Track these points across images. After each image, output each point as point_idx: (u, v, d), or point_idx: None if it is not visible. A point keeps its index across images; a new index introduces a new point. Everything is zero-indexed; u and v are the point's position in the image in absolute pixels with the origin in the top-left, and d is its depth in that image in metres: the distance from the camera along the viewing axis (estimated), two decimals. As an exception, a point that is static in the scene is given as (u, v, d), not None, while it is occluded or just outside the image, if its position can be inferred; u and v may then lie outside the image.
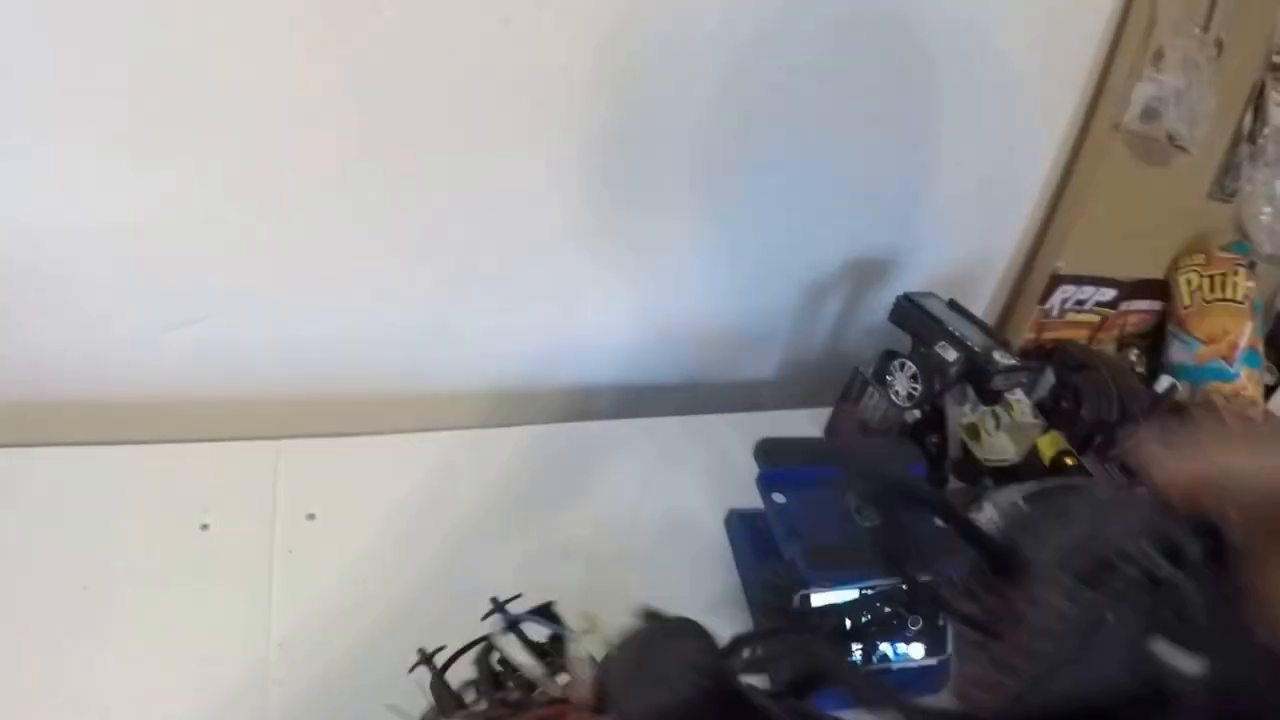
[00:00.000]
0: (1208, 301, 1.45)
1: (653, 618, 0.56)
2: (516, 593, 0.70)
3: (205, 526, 0.88)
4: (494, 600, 0.69)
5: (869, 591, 0.93)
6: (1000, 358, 1.04)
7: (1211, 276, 1.46)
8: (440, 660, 0.66)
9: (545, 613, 0.67)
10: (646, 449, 1.13)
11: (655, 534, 1.03)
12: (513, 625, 0.64)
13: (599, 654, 0.56)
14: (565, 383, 1.20)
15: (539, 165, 0.99)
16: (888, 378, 1.07)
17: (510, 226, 1.02)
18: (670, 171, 1.06)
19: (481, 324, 1.10)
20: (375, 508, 0.96)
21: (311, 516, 0.93)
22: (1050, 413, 1.09)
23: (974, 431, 1.07)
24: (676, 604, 0.94)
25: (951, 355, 1.04)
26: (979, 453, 1.07)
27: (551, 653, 0.63)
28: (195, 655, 0.77)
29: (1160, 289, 1.46)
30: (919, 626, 0.95)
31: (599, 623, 0.57)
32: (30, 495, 0.87)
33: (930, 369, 1.04)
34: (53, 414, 0.95)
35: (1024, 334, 1.32)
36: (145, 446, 0.93)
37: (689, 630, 0.55)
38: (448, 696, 0.65)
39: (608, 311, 1.15)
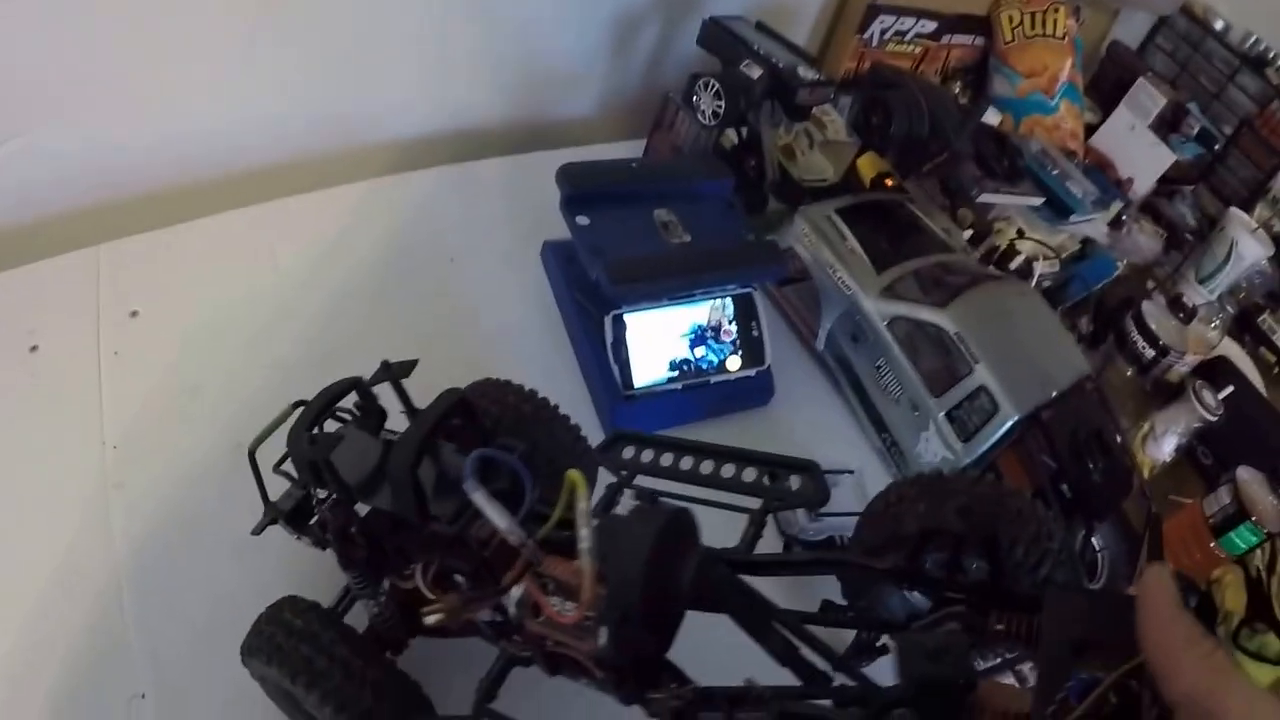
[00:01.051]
0: (1029, 37, 1.45)
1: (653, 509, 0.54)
2: (412, 358, 0.64)
3: (34, 348, 0.84)
4: (385, 364, 0.63)
5: (683, 305, 0.92)
6: (805, 73, 1.02)
7: (1033, 13, 1.46)
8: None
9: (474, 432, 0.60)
10: (465, 194, 1.10)
11: (478, 276, 1.02)
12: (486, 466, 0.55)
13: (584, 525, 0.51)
14: (379, 138, 1.15)
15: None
16: (694, 100, 1.03)
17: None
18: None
19: (286, 87, 1.03)
20: (197, 294, 0.92)
21: (134, 314, 0.89)
22: (863, 130, 1.07)
23: (790, 152, 1.06)
24: (502, 340, 0.94)
25: (755, 72, 1.01)
26: (796, 173, 1.06)
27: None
28: (35, 477, 0.76)
29: (982, 24, 1.45)
30: (734, 338, 0.94)
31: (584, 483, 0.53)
32: None
33: (735, 87, 1.01)
34: None
35: (844, 64, 1.30)
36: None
37: (687, 520, 0.52)
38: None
39: (415, 58, 1.10)
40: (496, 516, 0.52)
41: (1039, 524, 0.61)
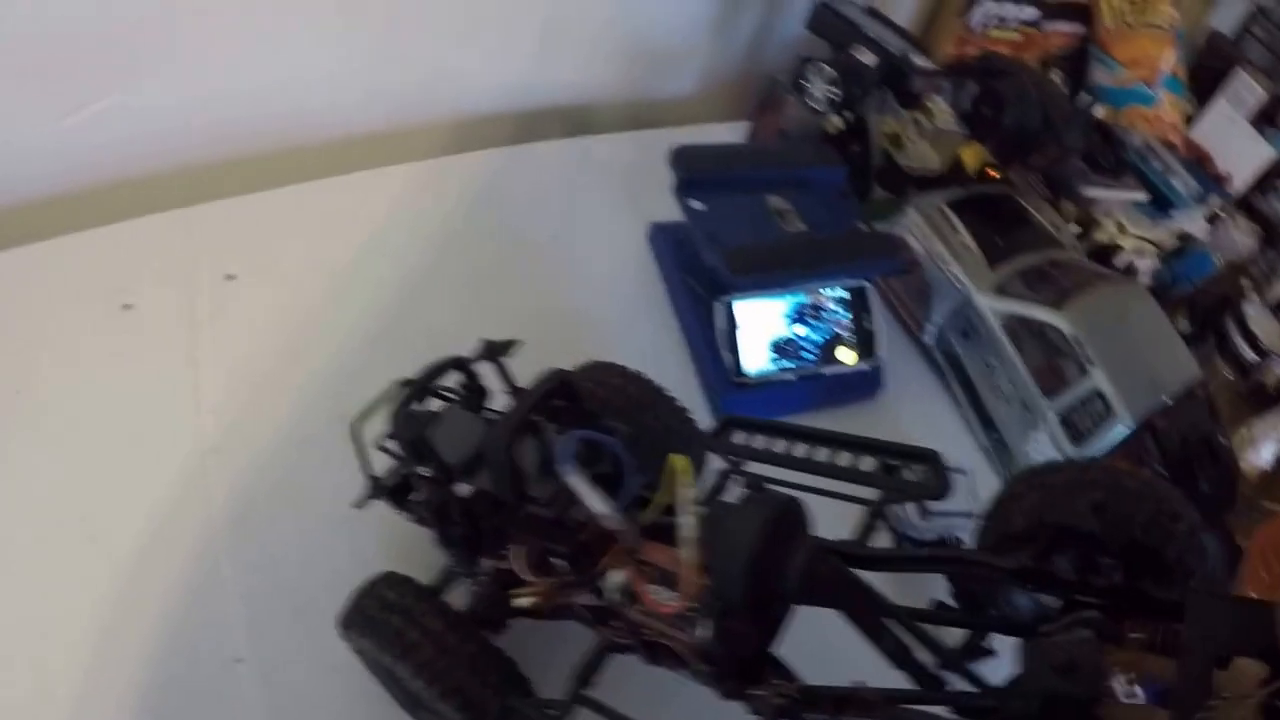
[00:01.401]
0: (1130, 25, 1.41)
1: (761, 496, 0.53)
2: (510, 338, 0.64)
3: (128, 307, 0.84)
4: (486, 343, 0.63)
5: (794, 294, 0.91)
6: (918, 60, 1.00)
7: (1134, 1, 1.42)
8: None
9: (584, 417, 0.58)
10: (567, 170, 1.09)
11: (579, 255, 1.01)
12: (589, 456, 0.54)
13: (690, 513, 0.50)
14: (478, 111, 1.14)
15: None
16: (805, 84, 1.02)
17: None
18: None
19: (387, 56, 1.03)
20: (294, 259, 0.92)
21: (231, 277, 0.89)
22: (972, 120, 1.04)
23: (896, 140, 1.04)
24: (607, 321, 0.93)
25: (869, 59, 0.99)
26: (902, 161, 1.04)
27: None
28: (130, 438, 0.76)
29: (1083, 11, 1.41)
30: (849, 331, 0.93)
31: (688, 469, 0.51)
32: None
33: (848, 73, 0.99)
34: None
35: (946, 49, 1.28)
36: (59, 239, 0.87)
37: (797, 511, 0.51)
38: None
39: (516, 35, 1.09)
40: (592, 500, 0.51)
41: (1189, 523, 0.58)
